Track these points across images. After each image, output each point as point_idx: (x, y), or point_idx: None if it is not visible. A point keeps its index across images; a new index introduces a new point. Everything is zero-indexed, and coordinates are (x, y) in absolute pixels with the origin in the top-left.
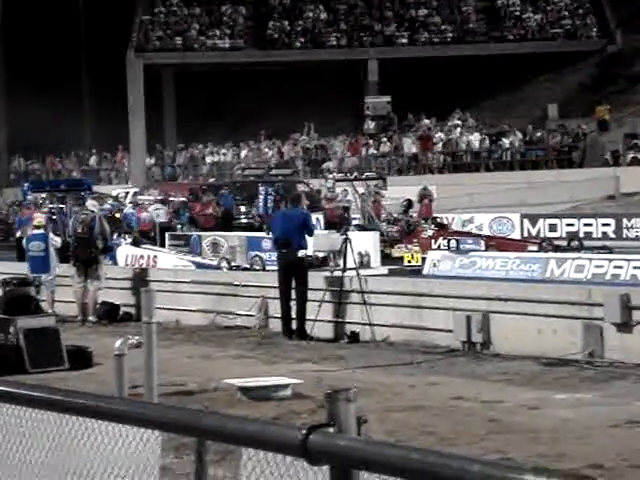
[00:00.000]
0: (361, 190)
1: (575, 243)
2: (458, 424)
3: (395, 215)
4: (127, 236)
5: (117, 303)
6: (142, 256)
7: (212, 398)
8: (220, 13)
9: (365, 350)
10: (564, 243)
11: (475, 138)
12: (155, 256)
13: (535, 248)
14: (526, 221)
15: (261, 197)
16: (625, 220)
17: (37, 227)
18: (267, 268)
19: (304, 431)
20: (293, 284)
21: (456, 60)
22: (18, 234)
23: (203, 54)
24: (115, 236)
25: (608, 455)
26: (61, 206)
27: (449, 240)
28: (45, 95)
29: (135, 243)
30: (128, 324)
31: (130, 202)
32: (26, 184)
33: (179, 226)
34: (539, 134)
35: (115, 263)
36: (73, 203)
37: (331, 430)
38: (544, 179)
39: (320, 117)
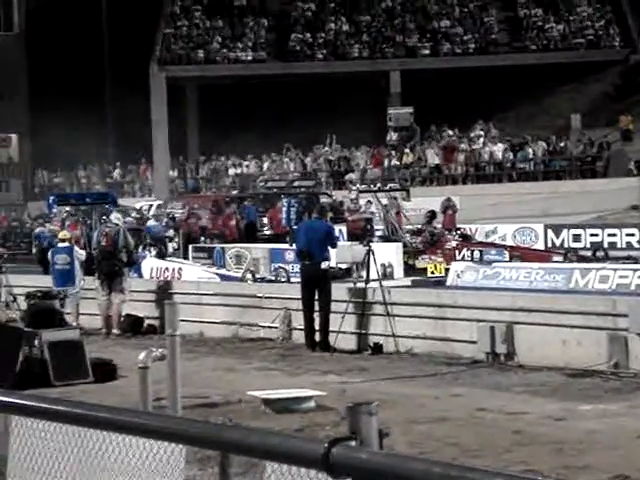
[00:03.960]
0: (384, 201)
1: (600, 253)
2: (482, 436)
3: (418, 226)
4: (152, 249)
5: (141, 316)
6: (167, 269)
7: (236, 410)
8: (242, 26)
9: (388, 362)
10: (589, 253)
11: (498, 149)
12: (180, 268)
13: (559, 258)
14: (550, 231)
15: (284, 209)
16: None
17: (62, 240)
18: (291, 280)
19: (326, 444)
20: (316, 296)
21: (479, 71)
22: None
23: (225, 67)
24: (140, 249)
25: (634, 466)
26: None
27: (473, 251)
28: (68, 109)
29: (160, 256)
30: (152, 336)
31: (153, 215)
32: (51, 197)
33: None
34: (562, 144)
35: (140, 276)
36: (98, 216)
37: (353, 443)
38: (568, 189)
39: (342, 129)
